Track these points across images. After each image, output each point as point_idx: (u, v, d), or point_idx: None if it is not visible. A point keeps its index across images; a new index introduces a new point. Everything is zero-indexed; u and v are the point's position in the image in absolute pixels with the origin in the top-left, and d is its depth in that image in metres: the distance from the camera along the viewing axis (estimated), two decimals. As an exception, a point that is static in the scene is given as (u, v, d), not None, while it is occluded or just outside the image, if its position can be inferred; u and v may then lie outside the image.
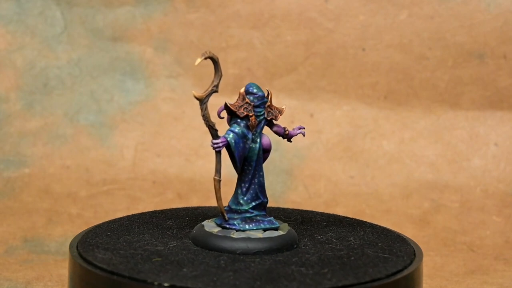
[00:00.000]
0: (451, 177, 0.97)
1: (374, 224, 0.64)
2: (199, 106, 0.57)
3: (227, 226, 0.57)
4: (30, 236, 0.88)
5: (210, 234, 0.57)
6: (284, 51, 1.00)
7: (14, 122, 1.00)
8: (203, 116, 0.56)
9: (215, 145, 0.56)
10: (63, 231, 0.90)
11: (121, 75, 1.01)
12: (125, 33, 1.01)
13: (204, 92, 0.56)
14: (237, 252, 0.56)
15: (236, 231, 0.57)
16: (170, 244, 0.57)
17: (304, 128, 0.59)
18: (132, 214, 0.65)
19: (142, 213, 0.65)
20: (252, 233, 0.57)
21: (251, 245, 0.56)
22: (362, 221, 0.65)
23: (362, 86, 1.00)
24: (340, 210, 0.94)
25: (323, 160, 0.99)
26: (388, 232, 0.62)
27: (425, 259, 0.72)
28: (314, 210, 0.70)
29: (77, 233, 0.61)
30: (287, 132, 0.59)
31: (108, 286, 0.52)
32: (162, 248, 0.56)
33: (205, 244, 0.56)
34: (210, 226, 0.58)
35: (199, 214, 0.65)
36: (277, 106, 0.58)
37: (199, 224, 0.59)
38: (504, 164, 0.98)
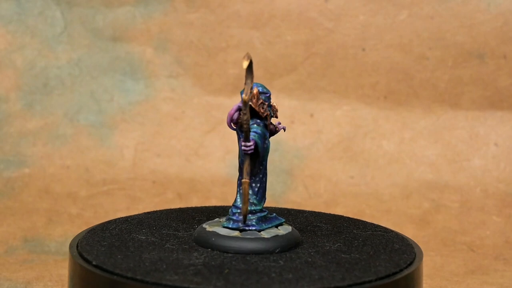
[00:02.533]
0: (451, 177, 0.98)
1: (374, 224, 0.64)
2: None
3: (247, 228, 0.57)
4: (30, 236, 0.88)
5: (239, 238, 0.56)
6: (284, 51, 1.00)
7: (14, 122, 1.00)
8: (245, 119, 0.56)
9: (249, 148, 0.56)
10: (63, 231, 0.90)
11: (121, 75, 1.01)
12: (125, 33, 1.01)
13: (247, 95, 0.55)
14: (276, 251, 0.56)
15: (258, 231, 0.57)
16: (200, 254, 0.55)
17: (280, 123, 0.59)
18: (132, 215, 0.65)
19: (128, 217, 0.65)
20: (274, 231, 0.57)
21: (284, 243, 0.57)
22: (361, 221, 0.65)
23: (362, 86, 1.00)
24: (340, 210, 0.94)
25: (323, 160, 0.99)
26: (388, 232, 0.62)
27: (425, 259, 0.72)
28: (314, 210, 0.70)
29: (77, 233, 0.61)
30: (277, 129, 0.59)
31: (108, 286, 0.52)
32: (201, 261, 0.54)
33: (240, 249, 0.55)
34: (223, 231, 0.57)
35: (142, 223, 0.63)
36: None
37: (207, 231, 0.57)
38: (504, 164, 0.98)
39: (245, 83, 0.55)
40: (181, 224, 0.62)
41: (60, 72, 1.01)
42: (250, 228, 0.57)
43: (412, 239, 0.63)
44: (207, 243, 0.56)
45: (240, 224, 0.57)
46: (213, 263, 0.53)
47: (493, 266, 0.85)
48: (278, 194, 0.96)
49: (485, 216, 0.94)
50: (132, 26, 1.01)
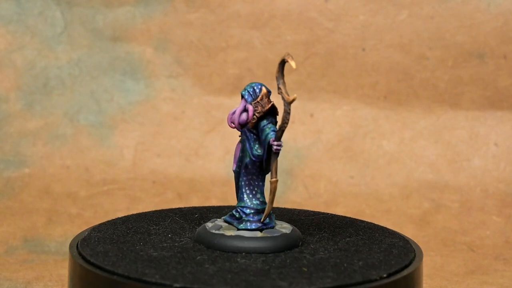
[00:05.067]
0: (451, 177, 0.97)
1: (374, 224, 0.64)
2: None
3: (264, 227, 0.57)
4: (30, 236, 0.88)
5: (269, 238, 0.56)
6: (284, 51, 1.00)
7: (14, 122, 1.00)
8: (289, 119, 0.56)
9: (280, 147, 0.56)
10: (63, 231, 0.90)
11: (121, 75, 1.01)
12: (125, 33, 1.01)
13: (290, 94, 0.56)
14: (300, 245, 0.57)
15: (272, 228, 0.58)
16: (247, 259, 0.55)
17: None
18: (132, 214, 0.65)
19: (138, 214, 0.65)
20: (284, 226, 0.58)
21: (300, 236, 0.58)
22: (362, 220, 0.65)
23: (362, 86, 1.00)
24: (340, 210, 0.94)
25: (323, 160, 0.99)
26: (388, 232, 0.62)
27: (425, 259, 0.72)
28: (314, 210, 0.70)
29: (77, 233, 0.61)
30: None
31: (108, 286, 0.52)
32: (260, 265, 0.53)
33: (276, 248, 0.56)
34: (246, 233, 0.57)
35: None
36: None
37: (228, 236, 0.56)
38: (504, 164, 0.98)
39: (281, 84, 0.56)
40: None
41: (60, 72, 1.01)
42: (268, 226, 0.57)
43: (412, 239, 0.63)
44: (239, 247, 0.56)
45: (259, 224, 0.57)
46: (274, 264, 0.54)
47: (493, 266, 0.85)
48: (278, 194, 0.96)
49: (485, 216, 0.94)
50: (132, 26, 1.01)
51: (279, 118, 0.58)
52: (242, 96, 0.57)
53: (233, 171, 0.59)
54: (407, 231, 0.91)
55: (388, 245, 0.58)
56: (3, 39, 1.01)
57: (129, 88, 1.01)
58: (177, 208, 0.67)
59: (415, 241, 0.64)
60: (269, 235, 0.56)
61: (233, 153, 0.59)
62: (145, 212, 0.66)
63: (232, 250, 0.56)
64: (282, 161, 0.99)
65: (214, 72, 1.01)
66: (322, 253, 0.56)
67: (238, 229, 0.57)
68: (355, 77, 1.00)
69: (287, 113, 0.55)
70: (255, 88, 0.57)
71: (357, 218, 0.67)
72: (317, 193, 0.97)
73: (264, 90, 0.57)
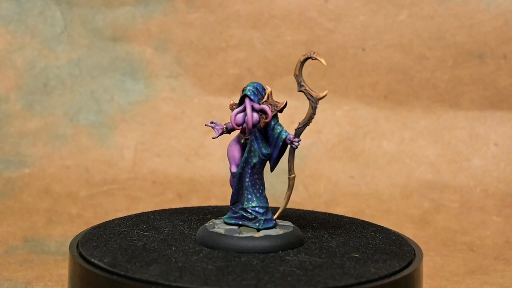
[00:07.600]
0: (451, 177, 0.97)
1: (374, 224, 0.64)
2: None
3: (275, 223, 0.58)
4: (30, 236, 0.88)
5: (290, 233, 0.57)
6: (284, 51, 1.00)
7: (14, 122, 1.00)
8: (314, 115, 0.55)
9: (300, 143, 0.56)
10: (63, 231, 0.90)
11: (121, 75, 1.01)
12: (125, 33, 1.01)
13: (316, 92, 0.57)
14: (305, 240, 0.59)
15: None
16: (293, 255, 0.55)
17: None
18: (134, 214, 0.65)
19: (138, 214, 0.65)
20: (281, 223, 0.59)
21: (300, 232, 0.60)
22: (362, 220, 0.65)
23: (362, 86, 1.00)
24: (340, 210, 0.94)
25: (323, 160, 0.99)
26: (388, 232, 0.62)
27: (425, 259, 0.72)
28: (314, 210, 0.70)
29: (77, 233, 0.61)
30: None
31: (108, 286, 0.52)
32: (304, 258, 0.54)
33: (300, 241, 0.57)
34: (271, 232, 0.57)
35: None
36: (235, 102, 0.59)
37: (257, 238, 0.56)
38: (504, 164, 0.98)
39: (303, 81, 0.56)
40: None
41: (60, 72, 1.01)
42: (276, 222, 0.58)
43: (412, 239, 0.63)
44: (276, 246, 0.56)
45: (274, 221, 0.58)
46: (323, 256, 0.55)
47: (493, 266, 0.85)
48: (278, 194, 0.96)
49: (485, 216, 0.94)
50: (132, 26, 1.01)
51: (284, 116, 0.58)
52: (246, 97, 0.57)
53: (232, 173, 0.58)
54: (407, 231, 0.91)
55: (388, 245, 0.58)
56: (3, 39, 1.01)
57: (129, 88, 1.01)
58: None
59: (415, 241, 0.64)
60: (287, 231, 0.57)
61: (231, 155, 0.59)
62: (145, 212, 0.66)
63: (270, 250, 0.56)
64: (282, 161, 0.99)
65: (214, 72, 1.01)
66: (335, 242, 0.57)
67: (259, 230, 0.57)
68: (355, 77, 1.00)
69: (314, 109, 0.56)
70: (258, 87, 0.58)
71: (357, 218, 0.67)
72: (317, 193, 0.97)
73: (269, 89, 0.57)
